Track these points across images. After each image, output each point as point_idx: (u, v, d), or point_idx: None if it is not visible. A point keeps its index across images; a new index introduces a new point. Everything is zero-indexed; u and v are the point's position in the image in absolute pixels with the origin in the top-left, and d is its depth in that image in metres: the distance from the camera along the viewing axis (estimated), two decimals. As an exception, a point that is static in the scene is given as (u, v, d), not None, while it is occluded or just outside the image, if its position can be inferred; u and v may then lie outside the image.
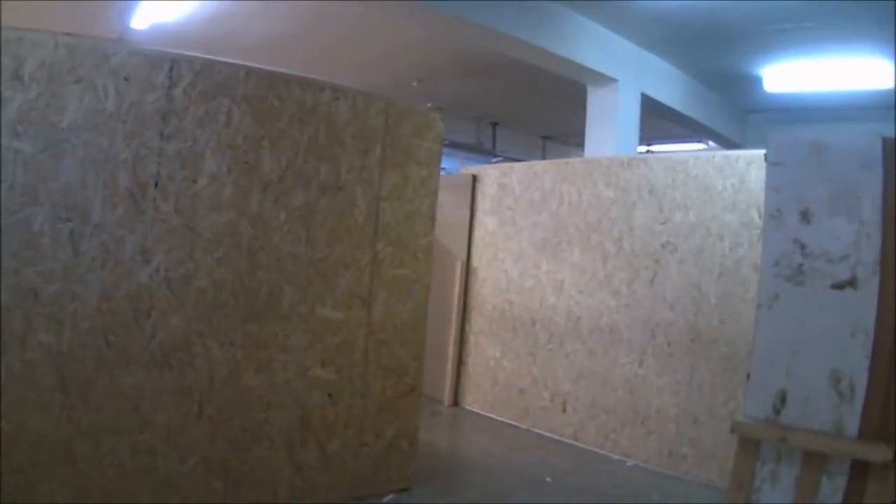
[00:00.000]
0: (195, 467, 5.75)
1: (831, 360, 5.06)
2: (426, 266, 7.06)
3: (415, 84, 16.62)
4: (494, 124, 21.07)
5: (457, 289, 10.96)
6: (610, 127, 13.18)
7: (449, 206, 10.84)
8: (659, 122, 15.96)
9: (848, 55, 12.93)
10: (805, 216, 5.17)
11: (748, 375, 5.49)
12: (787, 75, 14.16)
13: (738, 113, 17.72)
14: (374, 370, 6.70)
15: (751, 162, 7.75)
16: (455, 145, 19.29)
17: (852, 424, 5.00)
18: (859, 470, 4.98)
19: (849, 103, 15.02)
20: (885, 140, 5.04)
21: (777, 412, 5.23)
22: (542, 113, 19.10)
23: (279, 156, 6.05)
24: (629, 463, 8.74)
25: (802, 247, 5.16)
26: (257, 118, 5.94)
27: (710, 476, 7.83)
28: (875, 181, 5.01)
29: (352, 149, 6.46)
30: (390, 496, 6.90)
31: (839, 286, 5.06)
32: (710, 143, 18.18)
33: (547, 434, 9.71)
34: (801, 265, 5.16)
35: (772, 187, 5.35)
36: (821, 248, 5.12)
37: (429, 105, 7.05)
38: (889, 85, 13.53)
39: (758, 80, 14.77)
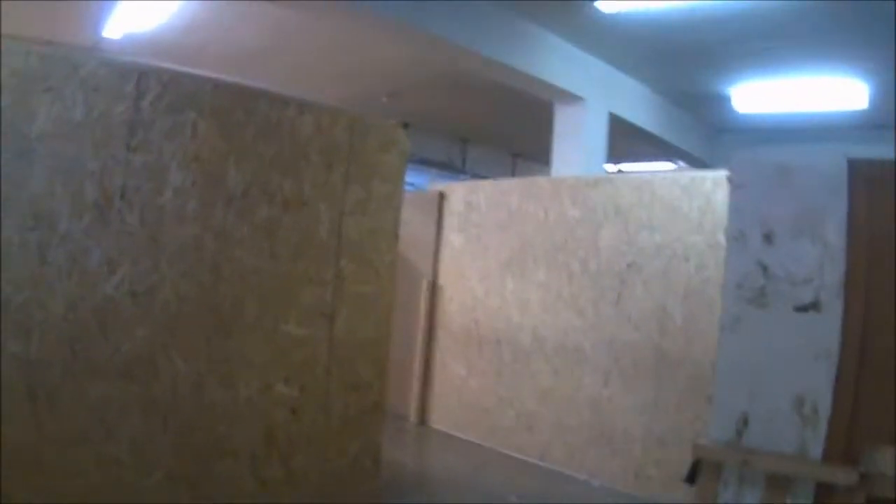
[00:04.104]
0: (161, 480, 5.69)
1: (795, 382, 5.05)
2: (389, 283, 7.01)
3: (384, 99, 16.65)
4: (465, 141, 21.08)
5: (423, 306, 10.94)
6: (577, 145, 13.18)
7: (416, 224, 10.85)
8: (628, 141, 15.97)
9: (819, 75, 12.98)
10: (768, 238, 5.17)
11: (709, 398, 5.49)
12: (758, 95, 14.20)
13: (709, 132, 17.73)
14: (336, 386, 6.65)
15: (717, 183, 7.71)
16: (424, 162, 19.30)
17: (816, 447, 4.99)
18: (824, 493, 4.96)
19: (821, 124, 15.08)
20: (851, 162, 5.03)
21: (739, 435, 5.22)
22: (513, 130, 19.14)
23: (244, 170, 6.00)
24: (595, 483, 8.73)
25: (765, 269, 5.16)
26: (223, 132, 5.90)
27: (675, 497, 7.77)
28: (840, 203, 5.00)
29: (316, 164, 6.42)
30: (354, 513, 6.85)
31: (802, 309, 5.05)
32: (681, 162, 18.19)
33: (513, 454, 9.69)
34: (763, 287, 5.16)
35: (735, 209, 5.35)
36: (784, 271, 5.11)
37: (393, 121, 7.04)
38: (862, 105, 13.59)
39: (728, 101, 14.81)
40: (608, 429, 8.75)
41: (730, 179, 5.46)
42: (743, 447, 5.21)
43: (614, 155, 15.82)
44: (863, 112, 14.07)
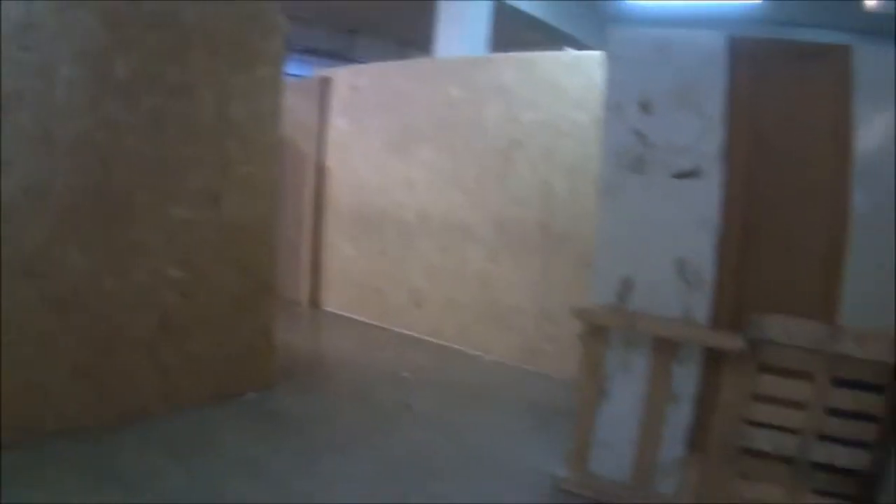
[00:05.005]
0: (67, 377, 5.70)
1: (676, 248, 5.19)
2: (273, 163, 7.04)
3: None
4: (353, 32, 20.90)
5: (310, 190, 10.98)
6: (460, 32, 13.02)
7: (303, 109, 10.85)
8: (517, 28, 15.90)
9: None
10: (646, 108, 5.25)
11: (591, 263, 5.58)
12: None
13: (600, 22, 17.67)
14: (226, 268, 6.71)
15: (600, 62, 7.71)
16: (313, 52, 19.14)
17: (701, 313, 5.13)
18: (713, 360, 5.12)
19: (715, 17, 15.00)
20: (731, 38, 5.11)
21: (622, 299, 5.34)
22: (400, 20, 18.99)
23: (131, 61, 5.93)
24: (487, 358, 8.93)
25: (643, 137, 5.24)
26: (111, 26, 5.80)
27: (570, 372, 7.86)
28: (719, 76, 5.09)
29: (200, 51, 6.36)
30: (252, 394, 6.96)
31: (681, 176, 5.14)
32: (570, 50, 18.14)
33: (405, 332, 9.89)
34: (641, 155, 5.25)
35: (613, 80, 5.42)
36: (662, 139, 5.21)
37: (275, 7, 7.00)
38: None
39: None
40: (498, 305, 8.94)
41: (607, 52, 5.50)
42: (627, 311, 5.33)
43: (503, 43, 15.80)
44: (759, 6, 14.11)
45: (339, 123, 10.82)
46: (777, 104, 5.05)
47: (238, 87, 6.68)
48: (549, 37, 16.80)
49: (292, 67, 17.29)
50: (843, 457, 4.78)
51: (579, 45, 16.70)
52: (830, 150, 4.88)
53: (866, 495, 4.76)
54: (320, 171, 11.00)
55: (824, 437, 4.82)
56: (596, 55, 8.02)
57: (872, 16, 13.32)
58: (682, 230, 5.16)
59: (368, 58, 19.60)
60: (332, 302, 10.99)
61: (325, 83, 10.98)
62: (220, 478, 5.30)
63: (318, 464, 5.72)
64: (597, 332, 5.48)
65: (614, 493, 5.47)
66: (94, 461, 5.33)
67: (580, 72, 8.19)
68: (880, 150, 4.77)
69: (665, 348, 5.27)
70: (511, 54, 9.07)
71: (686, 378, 5.25)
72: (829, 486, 4.87)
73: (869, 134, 4.79)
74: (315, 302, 11.17)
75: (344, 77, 10.87)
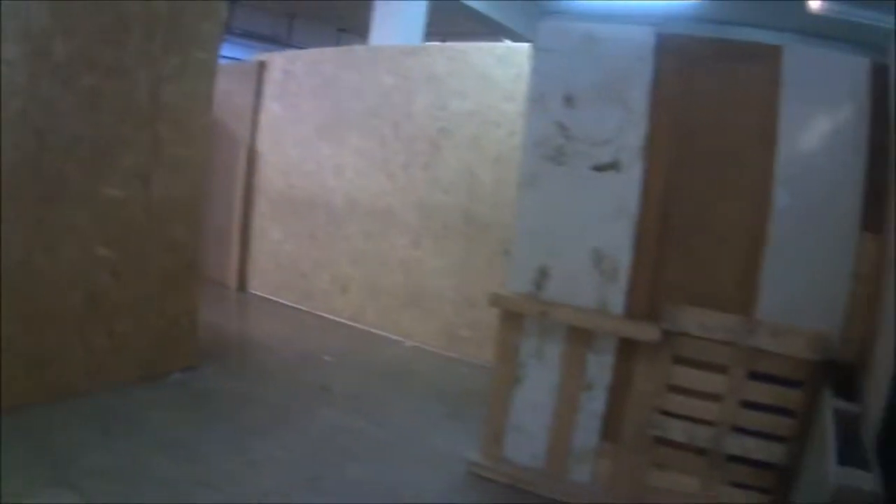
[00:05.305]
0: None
1: (593, 239, 5.28)
2: (205, 145, 7.06)
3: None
4: (291, 16, 20.83)
5: (242, 174, 10.97)
6: (396, 19, 13.06)
7: (237, 93, 10.82)
8: (455, 19, 15.93)
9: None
10: (569, 101, 5.31)
11: (506, 251, 5.65)
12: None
13: (539, 16, 17.70)
14: (154, 248, 6.71)
15: (532, 54, 7.82)
16: (251, 36, 19.07)
17: (617, 304, 5.22)
18: (628, 350, 5.24)
19: (655, 16, 15.03)
20: (660, 34, 5.18)
21: (539, 288, 5.41)
22: (339, 5, 18.95)
23: (71, 43, 5.89)
24: (408, 344, 9.03)
25: (564, 129, 5.31)
26: (53, 10, 5.77)
27: (489, 358, 7.96)
28: (646, 71, 5.17)
29: (137, 34, 6.35)
30: (177, 375, 6.99)
31: (601, 168, 5.21)
32: (508, 42, 18.20)
33: (329, 316, 9.96)
34: (562, 146, 5.32)
35: (538, 72, 5.48)
36: (583, 132, 5.28)
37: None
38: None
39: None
40: (420, 291, 9.05)
41: (535, 44, 5.56)
42: (542, 299, 5.40)
43: (441, 33, 15.82)
44: (698, 5, 14.18)
45: (272, 108, 10.81)
46: (704, 101, 5.12)
47: (172, 70, 6.66)
48: (489, 28, 16.84)
49: (231, 51, 17.28)
50: (758, 450, 4.93)
51: (518, 38, 16.79)
52: (755, 149, 4.96)
53: (782, 489, 4.88)
54: (252, 155, 10.97)
55: (739, 430, 4.95)
56: (525, 47, 8.13)
57: (813, 17, 13.46)
58: (600, 222, 5.26)
59: (307, 43, 19.58)
60: (260, 285, 11.00)
61: (262, 67, 10.98)
62: (145, 456, 5.34)
63: (240, 444, 5.78)
64: (512, 320, 5.57)
65: (528, 480, 5.58)
66: (19, 438, 5.33)
67: (511, 63, 8.28)
68: (805, 151, 4.88)
69: (580, 337, 5.37)
70: (444, 44, 9.15)
71: (601, 367, 5.35)
72: (745, 478, 5.01)
73: (794, 134, 4.88)
74: (243, 285, 11.16)
75: (278, 62, 10.87)
